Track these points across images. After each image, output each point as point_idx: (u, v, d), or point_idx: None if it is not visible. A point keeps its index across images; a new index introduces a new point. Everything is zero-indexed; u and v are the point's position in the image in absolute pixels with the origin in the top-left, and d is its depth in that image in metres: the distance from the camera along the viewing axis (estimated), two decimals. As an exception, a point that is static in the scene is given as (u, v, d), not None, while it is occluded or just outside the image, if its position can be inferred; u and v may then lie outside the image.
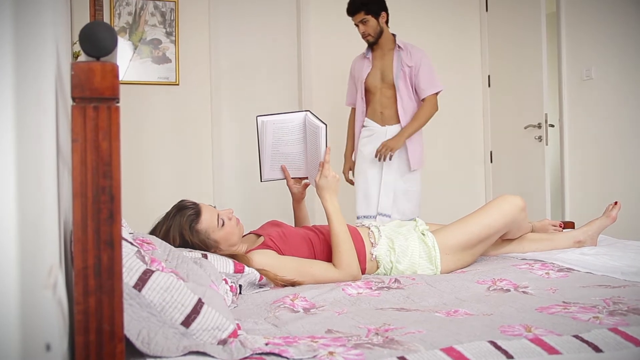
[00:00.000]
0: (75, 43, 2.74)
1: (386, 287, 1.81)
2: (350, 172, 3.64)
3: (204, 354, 1.10)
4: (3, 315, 0.57)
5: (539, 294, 1.68)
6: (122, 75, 3.99)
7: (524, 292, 1.72)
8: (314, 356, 1.10)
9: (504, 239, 2.36)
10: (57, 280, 0.84)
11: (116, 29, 4.00)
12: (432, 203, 4.61)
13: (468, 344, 1.15)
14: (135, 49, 4.05)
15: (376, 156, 3.34)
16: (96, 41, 0.86)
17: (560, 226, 2.56)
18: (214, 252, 1.90)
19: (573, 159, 4.13)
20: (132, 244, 1.34)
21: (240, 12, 4.27)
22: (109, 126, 0.88)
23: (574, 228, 2.66)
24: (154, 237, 1.75)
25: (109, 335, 0.88)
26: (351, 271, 1.94)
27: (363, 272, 2.07)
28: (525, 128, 4.25)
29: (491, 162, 4.78)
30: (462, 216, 2.25)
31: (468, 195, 4.75)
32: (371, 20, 3.32)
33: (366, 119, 3.49)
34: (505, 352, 1.13)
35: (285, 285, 1.85)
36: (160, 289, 1.14)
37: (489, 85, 4.77)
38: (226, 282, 1.66)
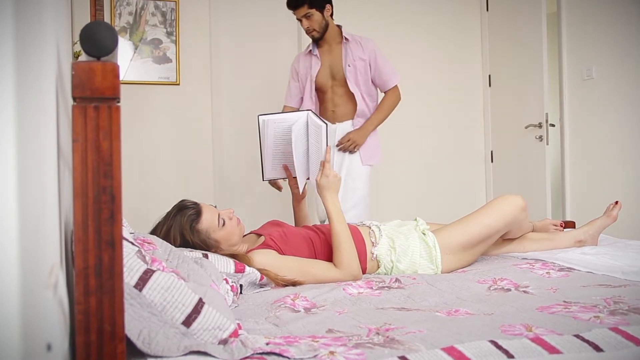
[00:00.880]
0: (76, 43, 2.74)
1: (387, 286, 1.81)
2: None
3: (204, 353, 1.10)
4: (4, 315, 0.57)
5: (539, 294, 1.68)
6: (123, 75, 3.99)
7: (524, 291, 1.72)
8: (315, 356, 1.10)
9: (505, 239, 2.36)
10: (58, 280, 0.84)
11: (117, 28, 4.00)
12: (433, 202, 4.61)
13: (469, 343, 1.15)
14: (136, 48, 4.05)
15: (339, 147, 3.15)
16: (97, 41, 0.86)
17: (561, 226, 2.56)
18: (215, 251, 1.90)
19: (574, 158, 4.12)
20: (132, 243, 1.34)
21: (241, 12, 4.27)
22: (109, 126, 0.88)
23: (574, 227, 2.66)
24: (155, 237, 1.75)
25: (110, 335, 0.88)
26: (352, 271, 1.94)
27: (364, 272, 2.07)
28: (526, 128, 4.25)
29: (492, 161, 4.78)
30: (462, 216, 2.25)
31: (468, 194, 4.75)
32: (315, 14, 3.10)
33: None
34: (506, 352, 1.13)
35: (286, 285, 1.86)
36: (161, 288, 1.14)
37: (490, 85, 4.77)
38: (227, 282, 1.66)
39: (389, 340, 1.19)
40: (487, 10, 4.74)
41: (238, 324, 1.25)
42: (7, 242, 0.57)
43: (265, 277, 1.82)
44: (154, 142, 4.12)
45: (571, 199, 4.14)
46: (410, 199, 4.59)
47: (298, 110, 2.69)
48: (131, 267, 1.14)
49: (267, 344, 1.16)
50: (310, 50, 3.26)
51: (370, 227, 2.20)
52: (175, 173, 4.18)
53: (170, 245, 1.72)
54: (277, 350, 1.11)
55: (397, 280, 1.87)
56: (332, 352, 1.11)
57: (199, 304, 1.16)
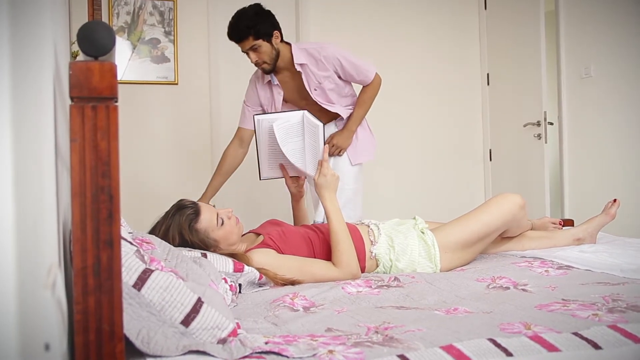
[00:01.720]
0: (74, 42, 2.74)
1: (386, 285, 1.81)
2: None
3: (203, 353, 1.10)
4: (2, 315, 0.57)
5: (538, 292, 1.68)
6: (121, 75, 3.99)
7: (523, 289, 1.72)
8: (314, 355, 1.10)
9: (504, 237, 2.36)
10: (57, 280, 0.84)
11: (115, 28, 4.00)
12: (431, 201, 4.62)
13: (468, 341, 1.15)
14: (134, 48, 4.05)
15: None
16: (94, 40, 0.86)
17: (560, 224, 2.56)
18: (214, 251, 1.90)
19: (572, 156, 4.13)
20: (131, 243, 1.34)
21: (239, 11, 4.26)
22: (107, 126, 0.88)
23: (573, 226, 2.66)
24: (153, 236, 1.75)
25: (109, 335, 0.88)
26: (351, 270, 1.94)
27: (363, 271, 2.07)
28: (525, 126, 4.25)
29: (490, 160, 4.78)
30: (461, 214, 2.25)
31: (467, 193, 4.75)
32: (263, 45, 2.69)
33: None
34: (504, 350, 1.13)
35: (285, 284, 1.86)
36: (159, 288, 1.14)
37: (488, 84, 4.77)
38: (226, 281, 1.66)
39: (388, 339, 1.20)
40: (485, 9, 4.74)
41: (237, 323, 1.25)
42: (5, 242, 0.57)
43: (264, 277, 1.82)
44: (152, 141, 4.12)
45: (570, 197, 4.14)
46: (408, 198, 4.59)
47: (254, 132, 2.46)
48: (130, 267, 1.14)
49: (266, 343, 1.16)
50: (270, 80, 2.88)
51: (369, 226, 2.20)
52: (174, 172, 4.18)
53: (168, 244, 1.72)
54: (276, 350, 1.11)
55: (396, 279, 1.87)
56: (331, 351, 1.11)
57: (198, 304, 1.16)
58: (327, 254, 2.04)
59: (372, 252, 2.10)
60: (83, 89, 0.87)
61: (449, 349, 1.12)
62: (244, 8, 2.73)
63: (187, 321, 1.14)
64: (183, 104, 4.18)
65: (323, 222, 2.49)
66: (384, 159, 4.28)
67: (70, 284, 1.03)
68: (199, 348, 1.09)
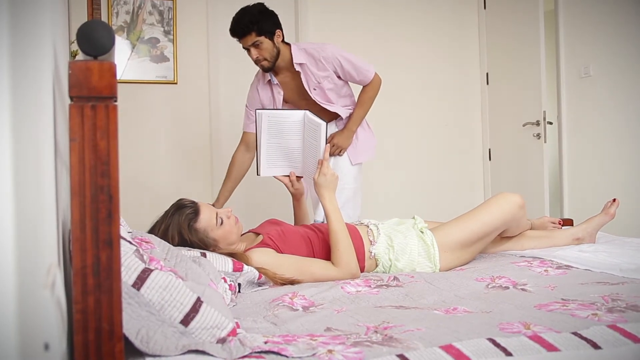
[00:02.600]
0: (73, 42, 2.73)
1: (385, 285, 1.81)
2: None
3: (203, 352, 1.10)
4: (1, 315, 0.57)
5: (537, 291, 1.68)
6: (120, 74, 3.99)
7: (522, 289, 1.72)
8: (313, 354, 1.10)
9: (503, 237, 2.36)
10: (56, 279, 0.84)
11: (114, 27, 4.00)
12: (431, 201, 4.62)
13: (467, 341, 1.15)
14: (133, 47, 4.05)
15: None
16: (94, 40, 0.86)
17: (559, 223, 2.56)
18: (213, 250, 1.90)
19: (571, 156, 4.13)
20: (130, 242, 1.34)
21: (238, 11, 4.26)
22: (107, 125, 0.88)
23: (572, 225, 2.66)
24: (153, 235, 1.75)
25: (108, 335, 0.88)
26: (350, 269, 1.94)
27: (362, 270, 2.07)
28: (524, 125, 4.25)
29: (490, 159, 4.78)
30: (460, 214, 2.25)
31: (467, 192, 4.75)
32: (265, 42, 2.72)
33: None
34: (504, 350, 1.13)
35: (284, 284, 1.86)
36: (159, 287, 1.14)
37: (488, 83, 4.77)
38: (225, 281, 1.66)
39: (387, 339, 1.20)
40: (485, 8, 4.74)
41: (236, 323, 1.25)
42: (4, 242, 0.57)
43: (263, 276, 1.82)
44: (151, 141, 4.12)
45: (569, 196, 4.14)
46: (408, 197, 4.59)
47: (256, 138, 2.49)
48: (129, 266, 1.14)
49: (266, 342, 1.16)
50: (270, 80, 2.92)
51: (368, 226, 2.20)
52: (173, 172, 4.18)
53: (168, 244, 1.72)
54: (275, 349, 1.11)
55: (395, 278, 1.87)
56: (330, 351, 1.11)
57: (197, 303, 1.16)
58: (326, 253, 2.04)
59: (371, 252, 2.10)
60: (82, 88, 0.86)
61: (448, 348, 1.12)
62: (248, 6, 2.77)
63: (186, 321, 1.14)
64: (182, 103, 4.18)
65: (323, 222, 2.49)
66: (383, 158, 4.28)
67: (69, 283, 1.03)
68: (199, 347, 1.09)
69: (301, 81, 2.85)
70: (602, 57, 3.87)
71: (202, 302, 1.17)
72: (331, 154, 2.89)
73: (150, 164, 4.11)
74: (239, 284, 1.78)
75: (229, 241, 1.95)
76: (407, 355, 1.10)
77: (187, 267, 1.44)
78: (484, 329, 1.25)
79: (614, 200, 2.49)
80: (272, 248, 1.96)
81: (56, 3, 1.28)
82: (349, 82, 2.96)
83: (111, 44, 0.87)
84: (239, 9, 2.78)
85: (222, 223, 1.93)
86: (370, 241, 2.12)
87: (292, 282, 1.87)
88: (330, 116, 2.93)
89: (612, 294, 1.57)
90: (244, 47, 2.79)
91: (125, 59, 4.02)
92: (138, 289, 1.12)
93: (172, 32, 4.12)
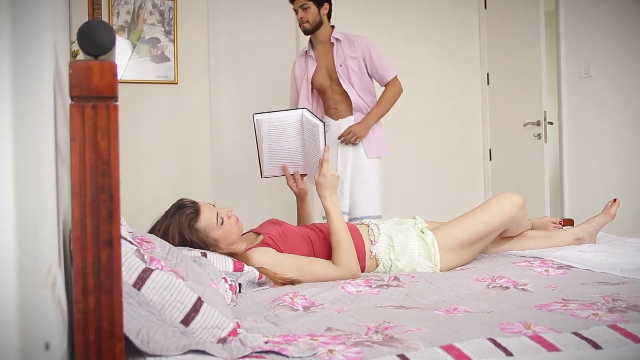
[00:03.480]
0: (74, 42, 2.73)
1: (385, 285, 1.81)
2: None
3: (203, 352, 1.10)
4: (2, 315, 0.57)
5: (538, 292, 1.68)
6: (121, 74, 3.99)
7: (523, 289, 1.72)
8: (314, 354, 1.10)
9: (503, 237, 2.36)
10: (56, 279, 0.84)
11: (115, 27, 4.00)
12: (431, 201, 4.62)
13: (468, 341, 1.15)
14: (134, 47, 4.05)
15: (341, 140, 3.21)
16: (94, 40, 0.86)
17: (560, 223, 2.56)
18: (213, 250, 1.90)
19: (572, 156, 4.13)
20: (131, 242, 1.34)
21: (239, 11, 4.27)
22: (107, 125, 0.88)
23: (573, 225, 2.66)
24: (153, 235, 1.75)
25: (109, 334, 0.88)
26: (350, 269, 1.94)
27: (362, 270, 2.07)
28: (524, 126, 4.25)
29: (490, 159, 4.78)
30: (461, 214, 2.25)
31: (467, 193, 4.75)
32: (312, 7, 3.19)
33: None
34: (504, 350, 1.13)
35: (285, 284, 1.86)
36: (159, 287, 1.14)
37: (488, 83, 4.77)
38: (225, 281, 1.66)
39: (387, 339, 1.20)
40: (485, 8, 4.74)
41: (237, 323, 1.25)
42: (5, 242, 0.57)
43: (264, 276, 1.82)
44: (152, 141, 4.12)
45: (570, 196, 4.14)
46: (408, 197, 4.59)
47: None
48: (130, 266, 1.14)
49: (266, 342, 1.16)
50: (306, 51, 3.34)
51: (369, 226, 2.20)
52: (174, 172, 4.18)
53: (168, 244, 1.72)
54: (276, 349, 1.11)
55: (395, 278, 1.87)
56: (330, 351, 1.11)
57: (198, 303, 1.16)
58: (327, 253, 2.04)
59: (372, 252, 2.10)
60: (83, 88, 0.86)
61: (448, 348, 1.12)
62: None
63: (187, 320, 1.14)
64: (183, 103, 4.18)
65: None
66: (383, 158, 4.27)
67: (70, 283, 1.03)
68: (199, 347, 1.09)
69: (331, 59, 3.25)
70: (602, 57, 3.87)
71: (202, 302, 1.17)
72: (347, 142, 3.22)
73: (151, 163, 4.11)
74: (240, 284, 1.78)
75: (230, 241, 1.95)
76: (408, 355, 1.10)
77: (188, 267, 1.44)
78: (484, 329, 1.25)
79: (615, 200, 2.48)
80: (273, 248, 1.96)
81: (57, 3, 1.28)
82: (372, 78, 3.27)
83: (112, 43, 0.86)
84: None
85: (222, 223, 1.93)
86: (371, 241, 2.12)
87: (293, 282, 1.87)
88: (349, 106, 3.25)
89: (613, 294, 1.57)
90: (294, 9, 3.24)
91: (126, 58, 4.02)
92: (139, 289, 1.12)
93: (172, 32, 4.12)
